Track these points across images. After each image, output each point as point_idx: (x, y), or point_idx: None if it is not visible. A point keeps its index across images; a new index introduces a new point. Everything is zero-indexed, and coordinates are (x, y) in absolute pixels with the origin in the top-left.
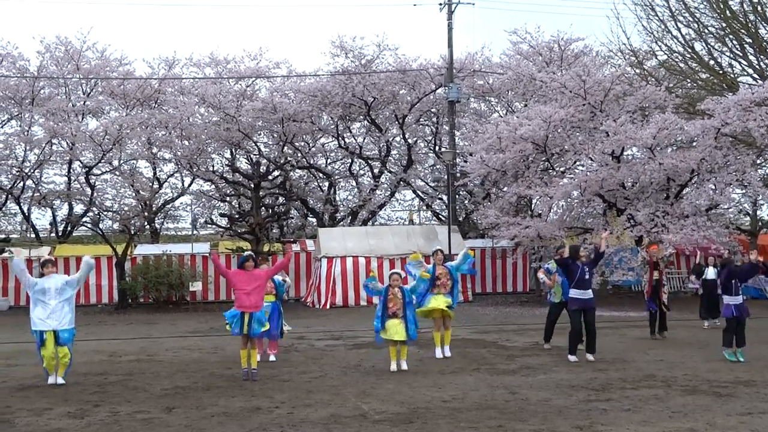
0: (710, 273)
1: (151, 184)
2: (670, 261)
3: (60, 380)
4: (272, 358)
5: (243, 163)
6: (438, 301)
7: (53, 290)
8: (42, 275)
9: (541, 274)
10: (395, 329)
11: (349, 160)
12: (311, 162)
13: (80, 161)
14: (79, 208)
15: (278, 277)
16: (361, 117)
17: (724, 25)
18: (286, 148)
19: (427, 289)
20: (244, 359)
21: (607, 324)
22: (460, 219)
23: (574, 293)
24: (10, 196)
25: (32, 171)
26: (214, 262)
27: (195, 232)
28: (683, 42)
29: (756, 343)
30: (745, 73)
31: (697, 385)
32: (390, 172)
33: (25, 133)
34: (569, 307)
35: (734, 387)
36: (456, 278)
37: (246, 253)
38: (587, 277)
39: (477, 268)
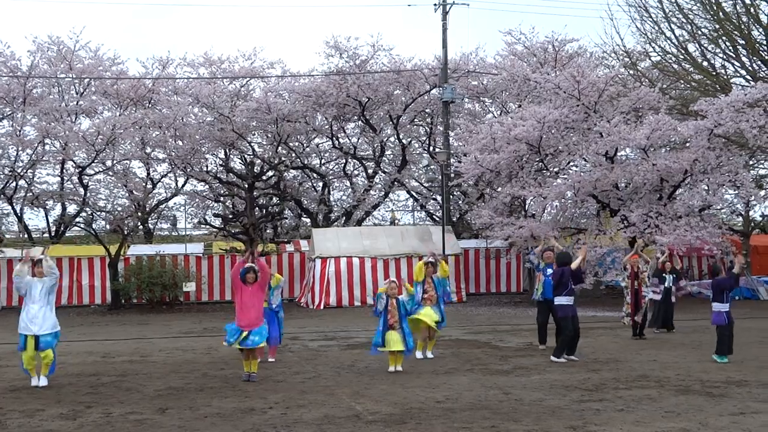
0: (668, 280)
1: (144, 184)
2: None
3: (43, 381)
4: (270, 359)
5: (237, 164)
6: (427, 313)
7: (38, 293)
8: (33, 275)
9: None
10: (394, 340)
11: (344, 161)
12: (305, 162)
13: (73, 161)
14: (72, 209)
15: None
16: (356, 117)
17: (717, 26)
18: (280, 148)
19: (418, 302)
20: (246, 365)
21: (601, 324)
22: (454, 219)
23: (564, 300)
24: (2, 196)
25: (25, 171)
26: (263, 268)
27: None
28: (677, 43)
29: (748, 343)
30: (738, 75)
31: (690, 385)
32: (384, 172)
33: (18, 133)
34: (561, 315)
35: (726, 387)
36: (440, 293)
37: (247, 265)
38: (572, 284)
39: (471, 269)
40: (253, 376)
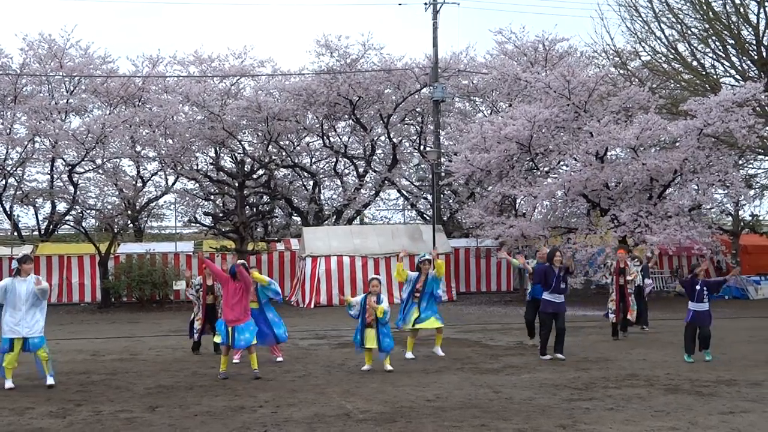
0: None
1: (134, 182)
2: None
3: (50, 380)
4: (279, 358)
5: (227, 162)
6: (428, 322)
7: (24, 295)
8: (18, 273)
9: (520, 262)
10: (369, 337)
11: (334, 159)
12: (296, 161)
13: (63, 159)
14: (62, 207)
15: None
16: (346, 116)
17: (707, 26)
18: (270, 146)
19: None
20: (223, 365)
21: (591, 323)
22: (445, 218)
23: (548, 296)
24: None
25: (14, 169)
26: (210, 268)
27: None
28: (666, 43)
29: (737, 342)
30: (728, 74)
31: (680, 384)
32: (375, 171)
33: (7, 131)
34: (542, 310)
35: (716, 386)
36: (430, 291)
37: (238, 261)
38: (562, 284)
39: (461, 267)
40: (256, 372)
